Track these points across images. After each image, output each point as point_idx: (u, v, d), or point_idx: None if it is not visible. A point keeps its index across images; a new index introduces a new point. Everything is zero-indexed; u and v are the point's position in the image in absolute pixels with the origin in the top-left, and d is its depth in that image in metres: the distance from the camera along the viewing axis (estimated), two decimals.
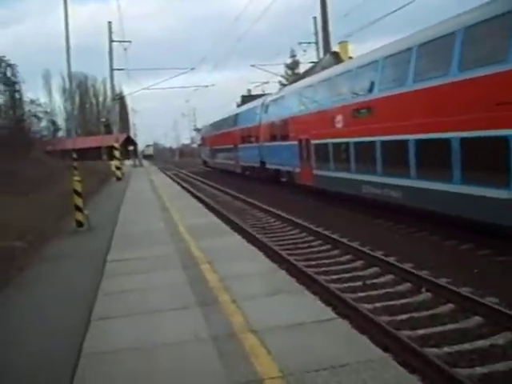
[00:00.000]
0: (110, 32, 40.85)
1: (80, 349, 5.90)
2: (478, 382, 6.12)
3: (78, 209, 15.17)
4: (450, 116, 13.09)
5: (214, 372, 5.09)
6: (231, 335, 5.95)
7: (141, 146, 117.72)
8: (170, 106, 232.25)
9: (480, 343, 7.24)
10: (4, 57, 39.28)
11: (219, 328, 6.21)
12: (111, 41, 40.91)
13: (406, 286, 10.19)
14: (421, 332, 7.76)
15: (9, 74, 39.76)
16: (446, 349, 7.09)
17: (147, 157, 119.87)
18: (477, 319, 8.12)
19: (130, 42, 42.16)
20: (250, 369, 5.07)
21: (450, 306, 8.84)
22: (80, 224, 15.12)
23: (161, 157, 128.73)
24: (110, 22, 40.97)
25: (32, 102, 43.67)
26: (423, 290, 9.77)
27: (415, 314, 8.59)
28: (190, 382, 5.06)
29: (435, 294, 9.42)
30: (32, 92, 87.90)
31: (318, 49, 41.72)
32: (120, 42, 41.62)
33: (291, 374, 4.89)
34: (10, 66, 39.47)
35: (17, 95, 42.12)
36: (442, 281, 9.92)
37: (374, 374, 4.79)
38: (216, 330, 6.16)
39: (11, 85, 40.50)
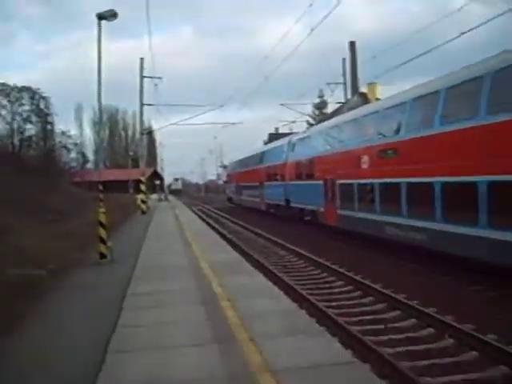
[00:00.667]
0: (142, 68, 41.57)
1: (95, 380, 5.85)
2: None
3: (102, 240, 15.23)
4: (477, 159, 12.98)
5: None
6: (248, 375, 5.85)
7: (167, 181, 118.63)
8: (197, 143, 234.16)
9: None
10: (38, 89, 40.25)
11: (236, 367, 6.11)
12: (142, 76, 41.58)
13: (429, 330, 9.98)
14: (442, 380, 7.56)
15: (42, 106, 40.67)
16: None
17: (175, 192, 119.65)
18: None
19: (160, 78, 42.86)
20: None
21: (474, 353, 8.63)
22: (103, 256, 15.16)
23: (186, 192, 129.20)
24: (141, 58, 41.73)
25: (63, 133, 44.63)
26: (446, 335, 9.56)
27: (438, 361, 8.38)
28: None
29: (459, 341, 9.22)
30: (63, 124, 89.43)
31: (345, 89, 41.98)
32: (151, 77, 42.28)
33: None
34: (43, 98, 40.44)
35: (48, 127, 42.95)
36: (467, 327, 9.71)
37: None
38: (232, 368, 6.06)
39: (44, 116, 41.36)
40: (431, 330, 9.99)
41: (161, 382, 5.84)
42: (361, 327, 10.23)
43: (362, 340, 9.01)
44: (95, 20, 16.03)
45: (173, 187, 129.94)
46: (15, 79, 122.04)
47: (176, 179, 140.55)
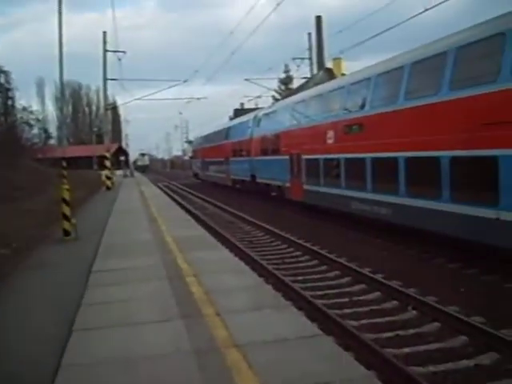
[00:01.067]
0: (105, 42, 40.86)
1: (60, 359, 5.80)
2: None
3: (66, 217, 15.03)
4: (440, 135, 13.13)
5: None
6: (214, 349, 5.87)
7: (133, 156, 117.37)
8: (162, 118, 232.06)
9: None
10: None
11: (202, 341, 6.13)
12: (105, 50, 40.87)
13: (393, 303, 10.16)
14: (406, 350, 7.72)
15: (2, 80, 39.74)
16: (431, 368, 7.05)
17: (141, 168, 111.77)
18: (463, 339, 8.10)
19: (124, 52, 42.15)
20: (231, 383, 5.00)
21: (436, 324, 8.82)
22: (67, 233, 14.98)
23: (152, 168, 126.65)
24: (104, 32, 41.01)
25: (24, 109, 43.70)
26: (409, 308, 9.74)
27: (401, 332, 8.55)
28: None
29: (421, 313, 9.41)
30: (25, 99, 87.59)
31: (311, 64, 41.98)
32: (114, 51, 41.57)
33: None
34: (3, 72, 39.49)
35: (9, 102, 42.05)
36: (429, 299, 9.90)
37: None
38: (198, 343, 6.08)
39: (4, 91, 40.45)
40: (395, 302, 10.16)
41: (127, 357, 5.81)
42: (326, 301, 10.36)
43: (326, 313, 9.12)
44: None
45: (139, 163, 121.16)
46: None
47: (142, 154, 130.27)
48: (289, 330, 6.40)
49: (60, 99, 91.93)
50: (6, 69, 40.02)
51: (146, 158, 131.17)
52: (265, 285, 9.35)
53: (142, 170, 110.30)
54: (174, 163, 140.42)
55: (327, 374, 5.15)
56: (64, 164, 16.22)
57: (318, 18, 39.83)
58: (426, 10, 17.97)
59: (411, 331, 8.63)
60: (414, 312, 9.53)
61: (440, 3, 17.37)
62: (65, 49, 16.06)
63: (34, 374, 5.63)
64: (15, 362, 5.95)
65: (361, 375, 5.22)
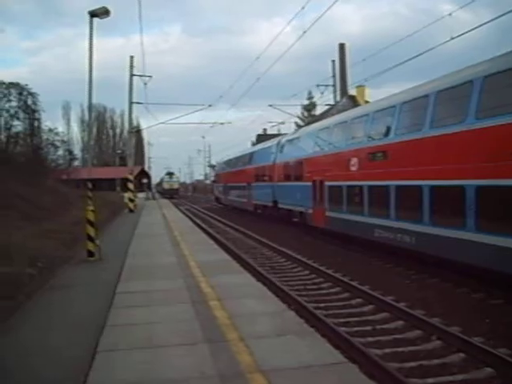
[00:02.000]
0: (132, 66, 41.45)
1: (85, 380, 5.84)
2: None
3: (90, 239, 15.18)
4: (466, 163, 13.08)
5: None
6: (238, 374, 5.87)
7: (155, 179, 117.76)
8: (185, 142, 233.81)
9: None
10: (26, 85, 39.96)
11: (227, 366, 6.12)
12: (132, 75, 41.45)
13: (416, 332, 10.06)
14: (430, 381, 7.63)
15: (29, 102, 40.37)
16: None
17: (168, 192, 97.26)
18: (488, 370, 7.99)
19: (150, 76, 42.61)
20: None
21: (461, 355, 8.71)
22: (91, 254, 15.11)
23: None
24: (131, 56, 41.59)
25: (50, 130, 44.28)
26: (434, 337, 9.64)
27: (425, 362, 8.45)
28: None
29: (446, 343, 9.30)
30: (51, 122, 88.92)
31: (335, 91, 42.17)
32: (140, 76, 42.08)
33: None
34: (31, 94, 40.09)
35: (36, 123, 42.63)
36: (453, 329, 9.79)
37: None
38: (223, 368, 6.07)
39: (31, 113, 41.05)
40: (419, 331, 10.06)
41: (151, 381, 5.83)
42: (349, 328, 10.28)
43: (350, 341, 9.06)
44: (86, 17, 15.95)
45: (166, 186, 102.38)
46: (2, 75, 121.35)
47: (170, 174, 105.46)
48: (313, 357, 6.38)
49: (87, 121, 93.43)
50: (33, 91, 40.69)
51: (176, 178, 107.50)
52: (288, 311, 9.32)
53: (170, 195, 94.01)
54: (196, 187, 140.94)
55: None
56: (89, 185, 16.39)
57: (342, 46, 40.17)
58: (453, 38, 18.01)
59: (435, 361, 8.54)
60: (439, 342, 9.43)
61: (467, 32, 17.41)
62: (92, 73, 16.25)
63: None
64: None
65: None
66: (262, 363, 6.16)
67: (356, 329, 10.36)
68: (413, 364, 8.35)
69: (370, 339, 9.66)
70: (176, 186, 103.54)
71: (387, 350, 9.00)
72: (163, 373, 6.04)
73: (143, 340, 7.30)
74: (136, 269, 13.52)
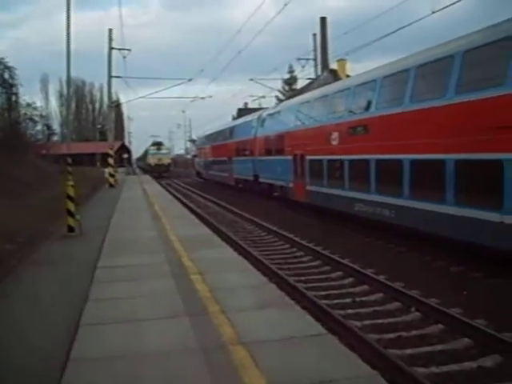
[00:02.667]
0: (110, 39, 40.91)
1: (68, 353, 5.86)
2: None
3: (70, 214, 15.10)
4: (445, 137, 13.18)
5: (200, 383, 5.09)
6: (220, 346, 5.92)
7: (135, 154, 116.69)
8: (165, 116, 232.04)
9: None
10: (3, 59, 39.32)
11: (209, 339, 6.18)
12: (111, 48, 40.93)
13: (395, 305, 10.20)
14: (409, 351, 7.77)
15: (6, 76, 39.75)
16: (434, 369, 7.10)
17: (156, 169, 72.89)
18: (466, 341, 8.14)
19: (129, 50, 42.05)
20: (238, 381, 5.05)
21: (440, 326, 8.87)
22: (71, 229, 15.05)
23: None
24: (110, 29, 41.00)
25: (28, 105, 43.75)
26: (412, 309, 9.79)
27: (404, 334, 8.59)
28: None
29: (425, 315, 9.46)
30: (29, 96, 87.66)
31: (316, 65, 42.00)
32: (119, 49, 41.57)
33: None
34: (8, 68, 39.45)
35: (13, 98, 42.02)
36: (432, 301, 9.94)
37: None
38: (205, 340, 6.13)
39: (8, 87, 40.44)
40: (398, 303, 10.21)
41: (134, 354, 5.86)
42: (329, 301, 10.41)
43: (330, 313, 9.17)
44: None
45: (152, 161, 76.21)
46: None
47: (158, 144, 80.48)
48: (294, 329, 6.47)
49: (65, 96, 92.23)
50: (10, 64, 40.05)
51: (166, 150, 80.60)
52: (269, 284, 9.39)
53: (158, 173, 70.30)
54: (177, 162, 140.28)
55: (333, 372, 5.21)
56: (69, 160, 16.25)
57: (323, 19, 39.96)
58: (434, 12, 17.99)
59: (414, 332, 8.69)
60: (417, 314, 9.58)
61: (447, 6, 17.39)
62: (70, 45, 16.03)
63: (44, 366, 5.69)
64: (25, 356, 5.99)
65: (367, 374, 5.27)
66: (243, 335, 6.22)
67: (336, 301, 10.49)
68: (392, 335, 8.49)
69: (350, 311, 9.80)
70: (167, 160, 77.00)
71: (367, 322, 9.14)
72: (146, 346, 6.07)
73: (125, 314, 7.32)
74: (117, 244, 13.49)
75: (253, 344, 5.93)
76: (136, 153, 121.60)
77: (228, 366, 5.38)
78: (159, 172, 70.58)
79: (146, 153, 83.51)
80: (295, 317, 7.08)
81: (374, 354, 7.32)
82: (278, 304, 7.63)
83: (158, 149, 77.04)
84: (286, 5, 24.71)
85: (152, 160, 75.65)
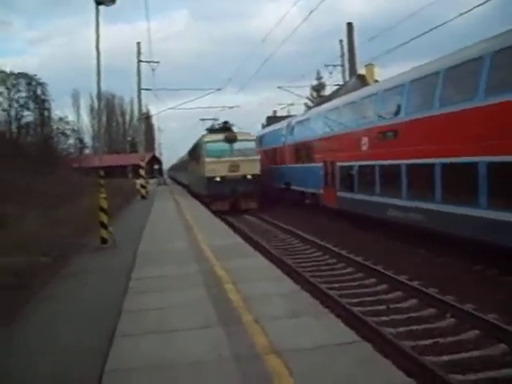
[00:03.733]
0: (139, 52, 41.36)
1: (103, 365, 5.92)
2: None
3: (103, 225, 15.29)
4: (476, 140, 13.01)
5: None
6: (254, 356, 5.93)
7: (166, 165, 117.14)
8: (195, 127, 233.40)
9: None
10: (35, 75, 40.12)
11: (242, 348, 6.18)
12: (139, 61, 41.38)
13: (430, 311, 10.09)
14: (445, 358, 7.67)
15: (39, 92, 40.54)
16: (471, 376, 6.99)
17: (228, 186, 30.20)
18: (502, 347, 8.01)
19: (157, 62, 42.37)
20: None
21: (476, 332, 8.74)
22: (104, 241, 15.23)
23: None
24: (138, 43, 41.42)
25: (60, 119, 44.59)
26: (448, 315, 9.67)
27: (440, 340, 8.49)
28: None
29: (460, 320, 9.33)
30: (60, 110, 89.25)
31: (343, 71, 41.82)
32: (148, 62, 41.98)
33: None
34: (40, 84, 40.31)
35: (46, 113, 42.82)
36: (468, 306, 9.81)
37: None
38: (239, 350, 6.14)
39: (41, 103, 41.22)
40: (432, 309, 10.09)
41: (169, 363, 5.90)
42: (363, 308, 10.34)
43: (364, 320, 9.11)
44: (92, 4, 15.91)
45: (211, 172, 30.79)
46: (11, 66, 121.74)
47: (225, 130, 33.40)
48: (327, 337, 6.44)
49: (96, 109, 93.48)
50: (42, 81, 40.83)
51: (249, 144, 31.94)
52: (302, 292, 9.36)
53: (231, 198, 30.71)
54: None
55: (368, 380, 5.17)
56: (101, 173, 16.47)
57: (349, 25, 39.74)
58: (461, 14, 17.78)
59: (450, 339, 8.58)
60: (453, 320, 9.46)
61: (473, 8, 17.18)
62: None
63: (79, 379, 5.76)
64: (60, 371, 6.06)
65: (402, 382, 5.22)
66: (277, 344, 6.21)
67: (369, 308, 10.41)
68: (427, 342, 8.39)
69: (385, 318, 9.71)
70: (252, 167, 31.44)
71: (401, 329, 9.05)
72: (180, 356, 6.11)
73: (160, 325, 7.38)
74: (150, 255, 13.60)
75: (286, 353, 5.91)
76: (167, 163, 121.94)
77: (262, 375, 5.38)
78: (233, 197, 30.95)
79: (192, 154, 43.24)
80: (329, 325, 7.05)
81: (409, 361, 7.25)
82: (311, 312, 7.60)
83: (229, 139, 32.22)
84: (311, 12, 24.73)
85: (213, 168, 31.36)
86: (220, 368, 5.70)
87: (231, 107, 54.61)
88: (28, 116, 41.20)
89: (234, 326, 7.04)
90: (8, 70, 40.27)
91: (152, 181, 66.80)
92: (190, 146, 49.09)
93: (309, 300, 8.58)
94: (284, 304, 8.09)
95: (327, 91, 56.46)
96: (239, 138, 31.90)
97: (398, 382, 5.22)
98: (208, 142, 32.23)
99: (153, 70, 42.32)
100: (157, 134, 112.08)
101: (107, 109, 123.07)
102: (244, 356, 5.94)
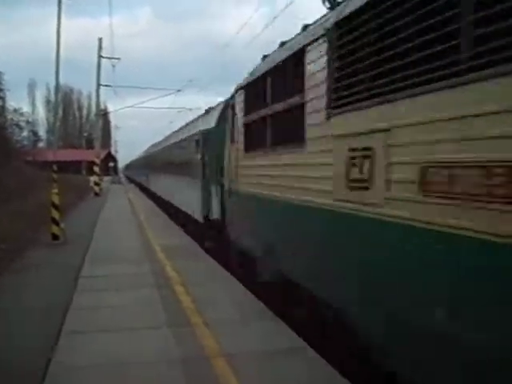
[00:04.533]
0: (100, 47, 40.98)
1: (48, 363, 5.85)
2: None
3: (55, 222, 15.06)
4: None
5: None
6: (202, 358, 5.94)
7: (122, 162, 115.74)
8: (153, 127, 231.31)
9: None
10: None
11: (191, 350, 6.20)
12: (100, 56, 40.99)
13: None
14: None
15: None
16: None
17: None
18: None
19: (118, 59, 42.10)
20: None
21: None
22: (55, 237, 15.00)
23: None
24: (100, 38, 41.05)
25: (15, 110, 43.51)
26: None
27: None
28: None
29: None
30: (15, 101, 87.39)
31: None
32: (109, 58, 41.66)
33: None
34: None
35: (0, 103, 41.88)
36: None
37: None
38: (188, 352, 6.14)
39: None
40: None
41: (116, 363, 5.86)
42: None
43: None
44: None
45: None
46: None
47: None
48: (276, 342, 6.50)
49: (53, 102, 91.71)
50: None
51: None
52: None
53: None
54: None
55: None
56: (55, 168, 16.22)
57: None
58: None
59: None
60: None
61: None
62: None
63: (22, 376, 5.67)
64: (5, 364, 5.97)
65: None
66: (225, 347, 6.24)
67: None
68: None
69: None
70: None
71: None
72: (128, 356, 6.07)
73: (108, 323, 7.32)
74: (101, 252, 13.46)
75: (235, 356, 5.95)
76: (122, 162, 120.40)
77: (208, 378, 5.40)
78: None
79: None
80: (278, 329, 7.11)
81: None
82: (260, 316, 7.65)
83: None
84: (275, 17, 24.97)
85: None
86: (167, 370, 5.68)
87: (190, 109, 54.39)
88: None
89: (182, 328, 7.05)
90: None
91: (106, 178, 66.09)
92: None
93: (259, 305, 8.62)
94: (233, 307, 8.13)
95: None
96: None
97: None
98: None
99: (113, 66, 42.05)
100: (113, 131, 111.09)
101: (64, 102, 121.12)
102: (193, 358, 5.93)
